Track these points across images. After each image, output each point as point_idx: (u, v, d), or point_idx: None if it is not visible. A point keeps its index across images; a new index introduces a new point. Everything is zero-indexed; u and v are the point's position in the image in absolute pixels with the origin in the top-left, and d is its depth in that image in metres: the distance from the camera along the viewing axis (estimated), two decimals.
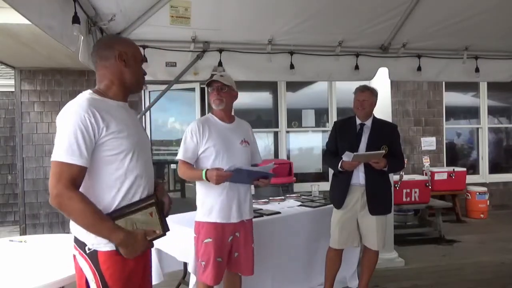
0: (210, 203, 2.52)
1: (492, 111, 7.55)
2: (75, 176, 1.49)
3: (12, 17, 3.48)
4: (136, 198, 1.65)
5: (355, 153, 2.96)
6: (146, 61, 1.75)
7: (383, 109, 3.98)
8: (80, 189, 1.55)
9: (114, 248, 1.55)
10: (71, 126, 1.50)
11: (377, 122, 3.25)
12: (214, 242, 2.48)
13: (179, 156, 2.55)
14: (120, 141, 1.59)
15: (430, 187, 5.55)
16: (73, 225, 1.60)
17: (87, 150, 1.51)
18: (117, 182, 1.60)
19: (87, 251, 1.56)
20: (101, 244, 1.56)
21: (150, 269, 1.84)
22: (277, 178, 5.28)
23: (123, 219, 1.58)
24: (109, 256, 1.56)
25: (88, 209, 1.49)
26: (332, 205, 3.29)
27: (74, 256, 1.63)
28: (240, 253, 2.60)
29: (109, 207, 1.59)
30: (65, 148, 1.49)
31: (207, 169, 2.45)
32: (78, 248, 1.60)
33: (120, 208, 1.60)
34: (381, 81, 4.05)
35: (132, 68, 1.71)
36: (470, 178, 6.84)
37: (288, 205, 3.71)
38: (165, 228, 1.73)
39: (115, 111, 1.63)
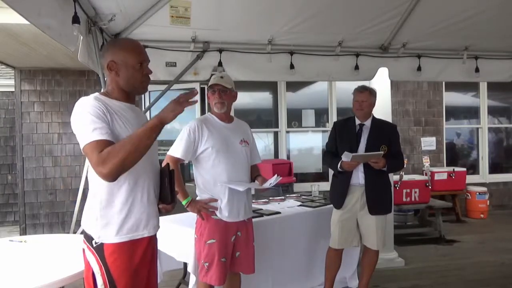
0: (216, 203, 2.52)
1: (492, 111, 7.55)
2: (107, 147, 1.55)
3: (12, 17, 3.48)
4: (144, 191, 1.70)
5: (353, 154, 2.96)
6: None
7: (383, 109, 3.98)
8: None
9: (120, 241, 1.62)
10: (86, 113, 1.58)
11: (376, 122, 3.26)
12: (218, 243, 2.48)
13: (170, 152, 2.52)
14: (124, 135, 1.62)
15: (430, 187, 5.55)
16: (83, 218, 1.67)
17: (108, 126, 1.58)
18: (124, 175, 1.62)
19: (94, 245, 1.62)
20: (107, 237, 1.61)
21: (156, 266, 1.85)
22: None
23: None
24: (115, 249, 1.62)
25: (121, 142, 1.55)
26: (332, 205, 3.29)
27: (83, 250, 1.68)
28: (241, 253, 2.61)
29: (116, 199, 1.64)
30: (90, 130, 1.55)
31: (191, 199, 2.51)
32: (86, 242, 1.65)
33: None
34: (381, 81, 4.05)
35: (123, 74, 1.72)
36: (470, 178, 6.83)
37: (288, 205, 3.71)
38: None
39: (119, 109, 1.69)
